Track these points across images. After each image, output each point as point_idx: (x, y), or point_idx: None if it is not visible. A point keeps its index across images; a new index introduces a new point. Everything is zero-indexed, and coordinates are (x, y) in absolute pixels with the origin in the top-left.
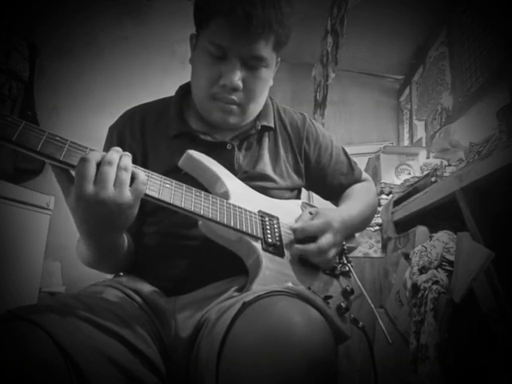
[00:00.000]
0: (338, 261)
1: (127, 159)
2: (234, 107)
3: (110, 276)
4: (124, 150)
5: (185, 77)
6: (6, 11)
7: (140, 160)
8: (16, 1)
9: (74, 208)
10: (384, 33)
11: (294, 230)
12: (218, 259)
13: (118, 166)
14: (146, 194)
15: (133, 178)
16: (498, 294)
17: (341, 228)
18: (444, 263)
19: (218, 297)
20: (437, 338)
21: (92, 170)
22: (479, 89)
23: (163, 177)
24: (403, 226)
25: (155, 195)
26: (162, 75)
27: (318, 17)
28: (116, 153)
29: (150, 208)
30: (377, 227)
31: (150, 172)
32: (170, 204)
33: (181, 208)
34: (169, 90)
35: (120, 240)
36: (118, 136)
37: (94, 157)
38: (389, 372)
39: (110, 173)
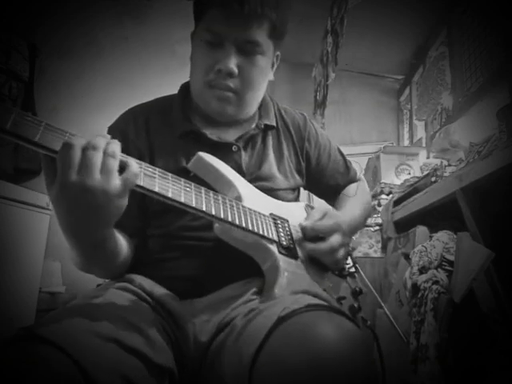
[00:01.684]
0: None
1: (115, 146)
2: (231, 94)
3: None
4: (129, 149)
5: (185, 77)
6: (6, 11)
7: (148, 159)
8: (16, 1)
9: (56, 199)
10: (384, 33)
11: (304, 228)
12: (229, 261)
13: (105, 152)
14: (170, 198)
15: (124, 167)
16: (498, 294)
17: (348, 229)
18: (444, 263)
19: (234, 299)
20: (437, 337)
21: (76, 155)
22: (479, 89)
23: (182, 179)
24: (403, 226)
25: (179, 199)
26: (161, 75)
27: (318, 17)
28: (102, 138)
29: (157, 210)
30: (377, 227)
31: (171, 175)
32: (192, 208)
33: (203, 211)
34: (169, 90)
35: (110, 239)
36: (121, 135)
37: (79, 142)
38: (389, 372)
39: (96, 158)
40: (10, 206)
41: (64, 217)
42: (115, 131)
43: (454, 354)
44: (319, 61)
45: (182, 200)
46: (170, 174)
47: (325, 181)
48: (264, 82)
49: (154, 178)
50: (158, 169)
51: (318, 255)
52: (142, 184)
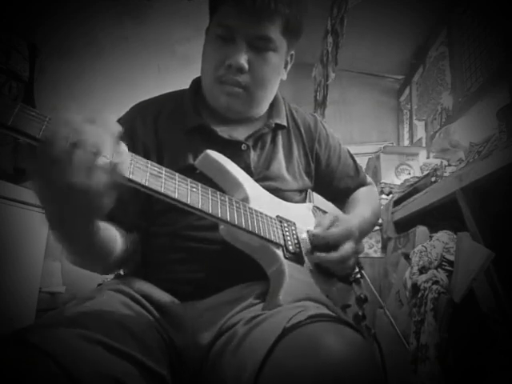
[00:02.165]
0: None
1: (100, 141)
2: (240, 90)
3: (111, 276)
4: (136, 144)
5: (185, 77)
6: (5, 11)
7: (155, 156)
8: (16, 1)
9: (37, 191)
10: (384, 33)
11: (315, 237)
12: (234, 264)
13: (88, 147)
14: (175, 199)
15: (110, 162)
16: (498, 294)
17: (359, 235)
18: (444, 263)
19: (236, 303)
20: (437, 337)
21: (57, 148)
22: (479, 89)
23: (189, 180)
24: (403, 226)
25: (185, 200)
26: (161, 75)
27: (318, 17)
28: (88, 132)
29: (161, 209)
30: (377, 227)
31: (178, 175)
32: (198, 209)
33: (209, 214)
34: (169, 90)
35: (94, 236)
36: (128, 130)
37: (62, 133)
38: (389, 372)
39: (79, 154)
40: (10, 206)
41: (49, 211)
42: (122, 127)
43: (454, 354)
44: (319, 61)
45: (188, 201)
46: (176, 174)
47: (335, 184)
48: (275, 80)
49: (160, 177)
50: (164, 168)
51: (330, 265)
52: (147, 184)
